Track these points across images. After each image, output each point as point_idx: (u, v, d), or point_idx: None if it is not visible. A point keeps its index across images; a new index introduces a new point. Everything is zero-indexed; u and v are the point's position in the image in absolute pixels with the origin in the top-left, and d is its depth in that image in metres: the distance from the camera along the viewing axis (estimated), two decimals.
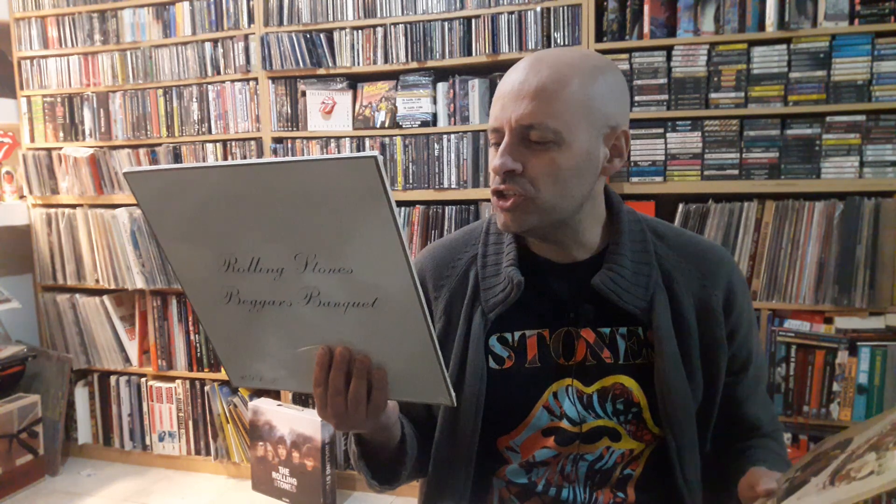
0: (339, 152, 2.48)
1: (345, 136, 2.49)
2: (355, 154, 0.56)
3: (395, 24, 2.38)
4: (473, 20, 2.30)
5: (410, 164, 2.41)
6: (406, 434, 0.88)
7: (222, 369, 2.67)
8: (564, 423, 0.87)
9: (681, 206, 2.12)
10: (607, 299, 0.85)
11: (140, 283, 2.72)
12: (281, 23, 2.51)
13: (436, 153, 2.38)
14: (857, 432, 0.65)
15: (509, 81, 0.81)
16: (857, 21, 1.96)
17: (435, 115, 2.41)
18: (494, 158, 0.81)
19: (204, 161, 2.56)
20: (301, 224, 0.62)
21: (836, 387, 1.99)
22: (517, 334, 0.89)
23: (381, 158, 0.55)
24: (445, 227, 2.37)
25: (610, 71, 0.82)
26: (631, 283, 0.85)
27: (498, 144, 0.82)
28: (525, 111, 0.78)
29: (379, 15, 2.40)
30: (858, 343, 1.96)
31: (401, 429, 0.86)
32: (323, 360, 0.69)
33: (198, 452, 2.78)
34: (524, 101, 0.78)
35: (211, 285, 0.70)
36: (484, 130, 2.32)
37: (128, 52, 2.73)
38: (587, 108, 0.79)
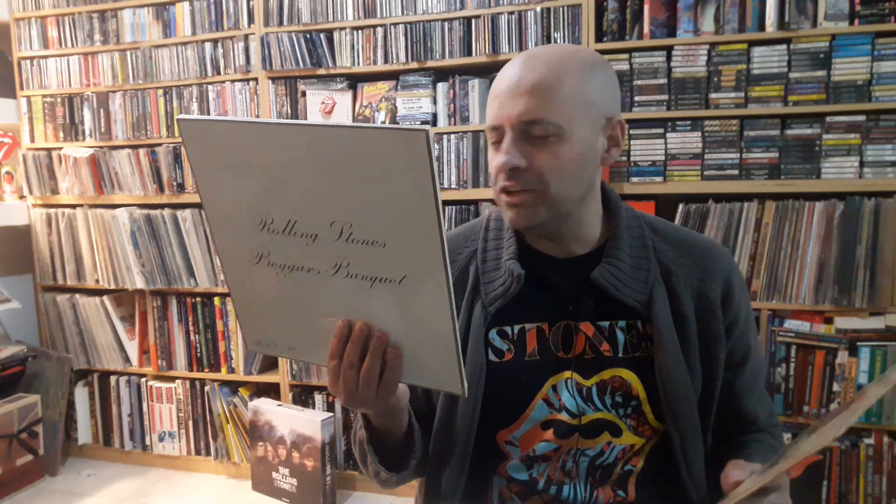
0: None
1: None
2: (406, 126, 0.56)
3: (395, 24, 2.38)
4: (473, 20, 2.30)
5: None
6: (413, 424, 0.88)
7: (223, 368, 2.68)
8: (563, 416, 0.87)
9: (681, 206, 2.12)
10: (606, 293, 0.86)
11: (140, 284, 2.72)
12: (281, 23, 2.51)
13: (435, 153, 2.37)
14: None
15: (505, 79, 0.82)
16: (857, 21, 1.96)
17: (435, 115, 2.41)
18: (497, 156, 0.82)
19: None
20: (342, 191, 0.62)
21: (836, 387, 1.99)
22: (517, 328, 0.89)
23: (432, 133, 0.56)
24: (445, 227, 2.37)
25: (601, 64, 0.84)
26: (629, 276, 0.86)
27: (497, 143, 0.83)
28: (526, 107, 0.79)
29: (379, 15, 2.40)
30: (858, 343, 1.96)
31: (408, 418, 0.86)
32: (342, 333, 0.69)
33: (198, 452, 2.78)
34: (523, 98, 0.79)
35: (243, 243, 0.70)
36: (484, 130, 2.32)
37: (128, 52, 2.73)
38: (584, 101, 0.81)
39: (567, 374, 0.87)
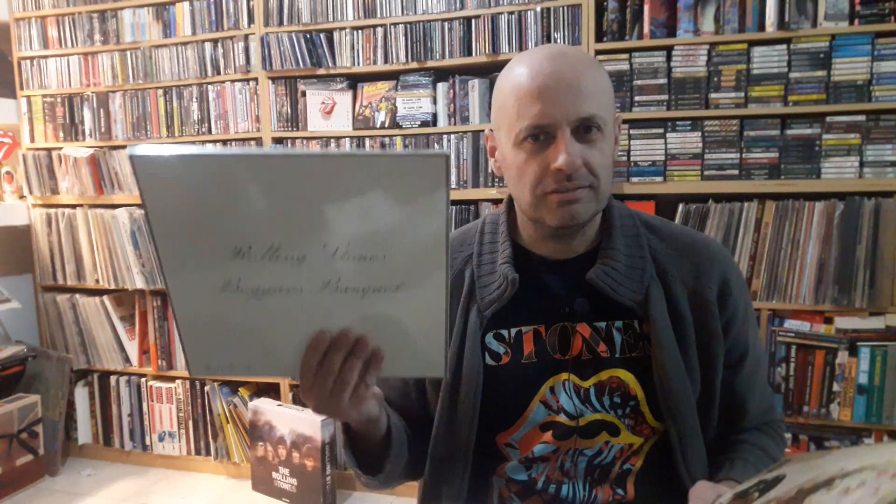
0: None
1: (345, 137, 2.49)
2: (425, 151, 0.56)
3: (395, 24, 2.38)
4: (473, 20, 2.30)
5: None
6: (392, 427, 0.86)
7: None
8: (561, 418, 0.87)
9: (681, 207, 2.12)
10: (602, 293, 0.85)
11: (140, 283, 2.72)
12: (281, 23, 2.51)
13: None
14: (793, 471, 0.58)
15: (545, 76, 0.79)
16: (857, 21, 1.96)
17: (435, 116, 2.41)
18: (557, 156, 0.79)
19: None
20: (342, 215, 0.59)
21: (836, 387, 1.99)
22: (513, 331, 0.89)
23: (450, 156, 0.55)
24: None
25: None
26: (625, 276, 0.86)
27: (535, 139, 0.81)
28: (583, 104, 0.79)
29: (379, 15, 2.40)
30: (858, 343, 1.96)
31: (387, 422, 0.85)
32: (319, 344, 0.66)
33: (198, 452, 2.78)
34: (579, 94, 0.79)
35: (209, 275, 0.64)
36: (483, 130, 2.32)
37: (128, 52, 2.73)
38: (610, 99, 0.84)
39: (564, 375, 0.87)
